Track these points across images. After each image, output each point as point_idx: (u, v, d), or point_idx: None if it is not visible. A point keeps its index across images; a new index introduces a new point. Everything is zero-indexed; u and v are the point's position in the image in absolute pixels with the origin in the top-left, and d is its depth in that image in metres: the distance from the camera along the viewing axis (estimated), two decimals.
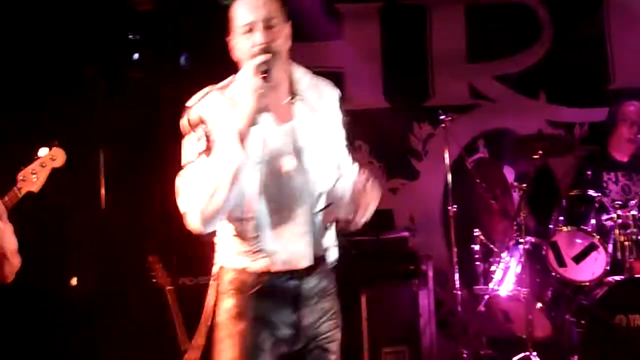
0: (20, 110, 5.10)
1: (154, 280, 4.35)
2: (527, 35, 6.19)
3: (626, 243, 4.90)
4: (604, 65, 6.13)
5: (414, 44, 6.21)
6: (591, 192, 5.02)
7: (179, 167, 2.72)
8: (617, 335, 4.75)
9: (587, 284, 4.90)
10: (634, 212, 4.91)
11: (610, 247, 4.90)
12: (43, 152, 3.16)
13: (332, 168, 2.81)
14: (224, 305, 2.73)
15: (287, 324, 2.73)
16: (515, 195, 5.14)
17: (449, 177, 5.19)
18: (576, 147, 5.67)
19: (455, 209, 5.18)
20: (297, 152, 2.72)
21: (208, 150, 2.63)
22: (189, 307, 4.05)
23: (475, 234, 5.24)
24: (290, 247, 2.69)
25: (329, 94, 2.88)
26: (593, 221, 4.95)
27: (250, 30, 2.68)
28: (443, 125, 5.23)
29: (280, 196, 2.68)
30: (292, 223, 2.69)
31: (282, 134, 2.71)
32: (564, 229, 4.96)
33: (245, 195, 2.64)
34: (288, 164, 2.70)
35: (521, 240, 4.93)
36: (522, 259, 4.95)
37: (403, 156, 6.15)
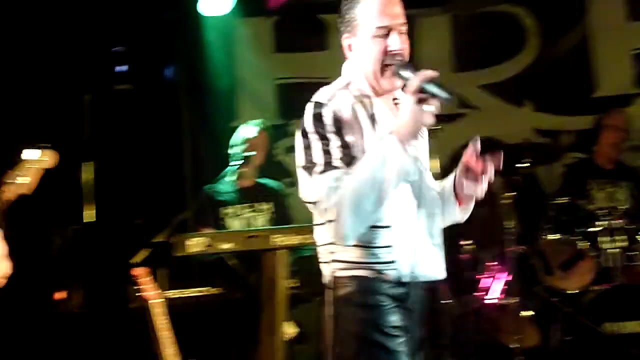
0: (6, 122, 5.09)
1: (138, 294, 4.27)
2: (512, 44, 6.20)
3: (613, 251, 4.92)
4: (588, 74, 6.15)
5: None
6: (578, 200, 5.03)
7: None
8: (605, 343, 4.76)
9: (575, 292, 4.91)
10: (620, 220, 4.93)
11: (597, 255, 4.91)
12: (31, 154, 3.13)
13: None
14: (352, 316, 2.52)
15: (414, 338, 2.59)
16: (503, 204, 5.15)
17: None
18: (562, 155, 5.69)
19: None
20: (420, 160, 2.63)
21: (348, 155, 2.45)
22: (178, 321, 4.01)
23: (463, 243, 5.25)
24: (423, 258, 2.57)
25: None
26: (580, 229, 4.97)
27: (384, 34, 2.54)
28: (430, 135, 5.21)
29: (414, 207, 2.57)
30: (424, 235, 2.58)
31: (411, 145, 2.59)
32: (551, 237, 4.97)
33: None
34: (416, 173, 2.57)
35: (509, 249, 4.93)
36: (510, 268, 4.95)
37: None
